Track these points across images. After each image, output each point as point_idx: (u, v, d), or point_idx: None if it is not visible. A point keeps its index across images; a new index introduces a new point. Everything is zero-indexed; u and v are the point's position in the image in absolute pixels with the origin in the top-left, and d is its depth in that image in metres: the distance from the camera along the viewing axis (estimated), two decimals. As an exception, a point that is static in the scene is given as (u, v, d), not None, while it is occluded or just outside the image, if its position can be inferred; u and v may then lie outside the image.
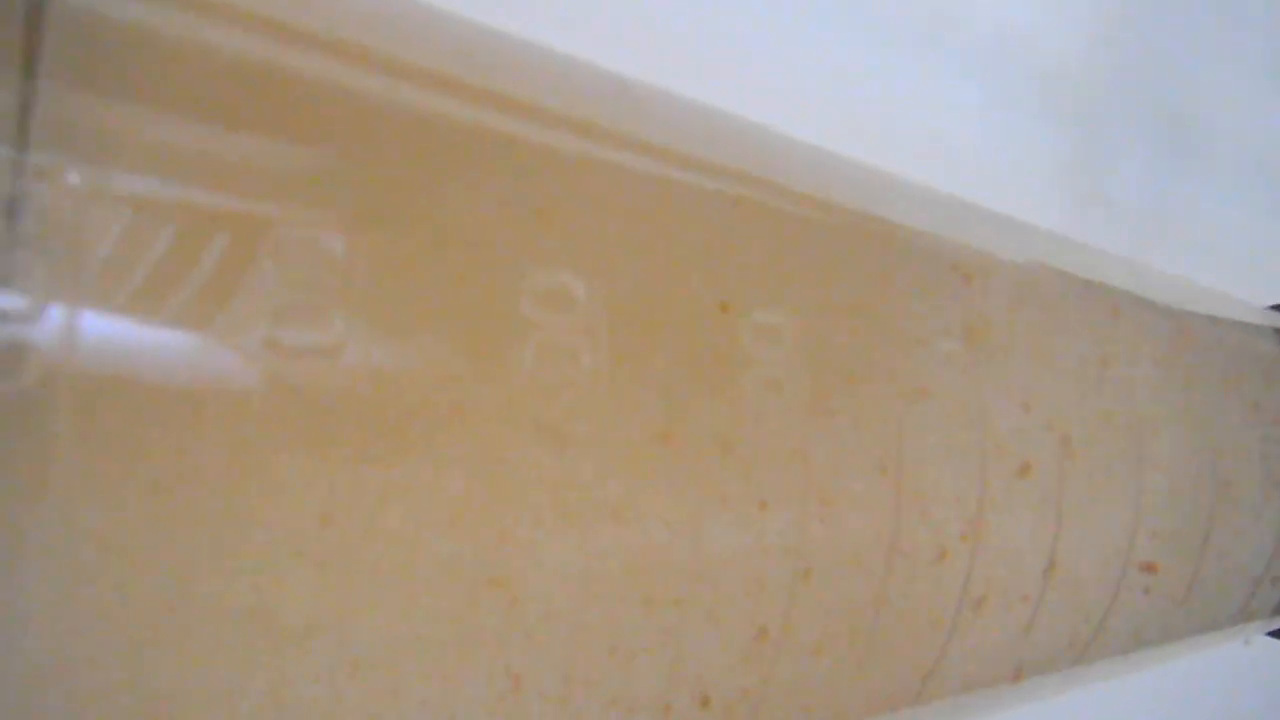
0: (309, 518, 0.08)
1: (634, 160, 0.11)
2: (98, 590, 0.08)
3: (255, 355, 0.08)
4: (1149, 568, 0.14)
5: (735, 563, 0.11)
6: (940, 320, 0.13)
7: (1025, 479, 0.13)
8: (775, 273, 0.11)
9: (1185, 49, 0.31)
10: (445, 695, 0.10)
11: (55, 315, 0.07)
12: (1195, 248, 0.30)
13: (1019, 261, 0.15)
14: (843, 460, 0.11)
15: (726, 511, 0.10)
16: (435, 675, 0.09)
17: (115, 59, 0.08)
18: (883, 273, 0.12)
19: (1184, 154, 0.31)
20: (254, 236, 0.08)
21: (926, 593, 0.12)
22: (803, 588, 0.11)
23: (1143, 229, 0.30)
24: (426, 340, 0.09)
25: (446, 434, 0.09)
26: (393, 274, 0.09)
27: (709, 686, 0.11)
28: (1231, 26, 0.32)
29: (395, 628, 0.09)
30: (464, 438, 0.09)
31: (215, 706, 0.08)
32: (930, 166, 0.17)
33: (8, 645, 0.08)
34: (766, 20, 0.23)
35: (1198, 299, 0.18)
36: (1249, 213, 0.31)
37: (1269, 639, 0.21)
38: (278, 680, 0.09)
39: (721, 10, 0.23)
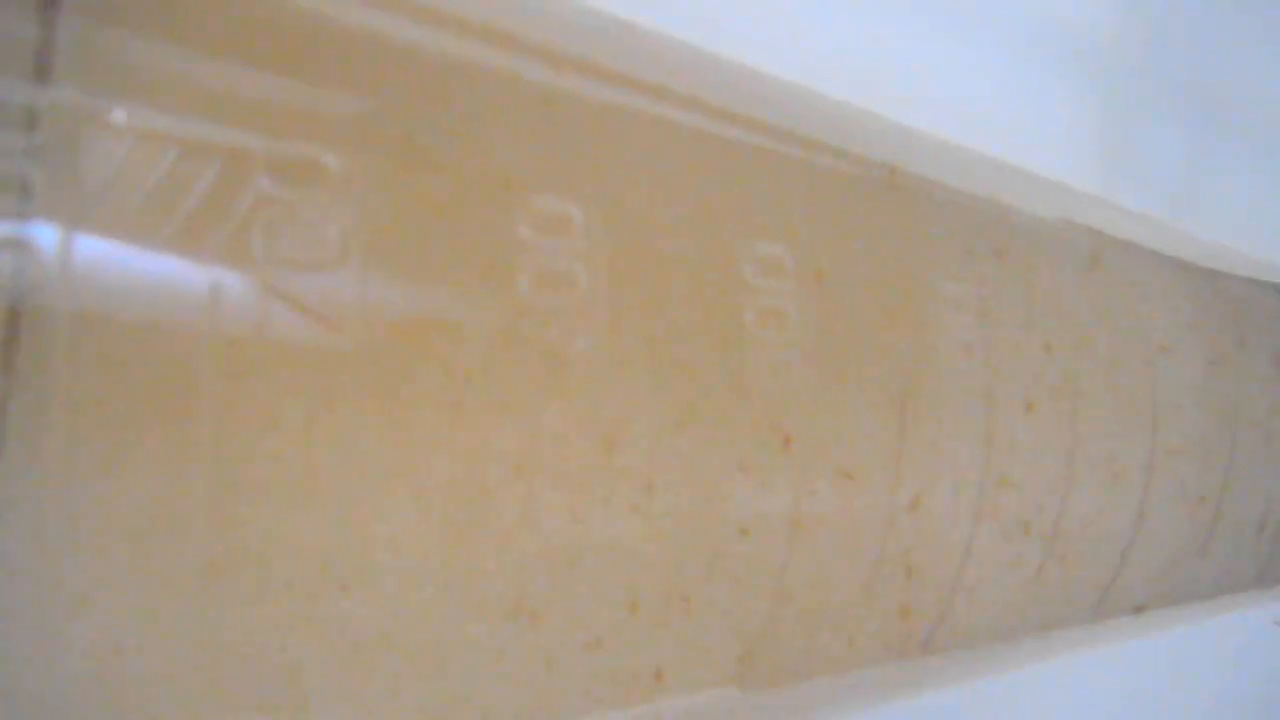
0: (306, 454, 0.08)
1: (638, 100, 0.11)
2: (93, 524, 0.08)
3: (254, 284, 0.08)
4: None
5: (737, 499, 0.11)
6: (962, 272, 0.13)
7: (1038, 424, 0.13)
8: (782, 211, 0.11)
9: (1215, 17, 0.30)
10: (453, 624, 0.10)
11: (57, 232, 0.08)
12: (1225, 217, 0.29)
13: (1046, 217, 0.15)
14: (849, 402, 0.11)
15: (726, 442, 0.10)
16: (443, 605, 0.09)
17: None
18: (897, 220, 0.12)
19: (1214, 123, 0.30)
20: (252, 167, 0.08)
21: (933, 539, 0.12)
22: (804, 533, 0.11)
23: (1173, 198, 0.29)
24: (426, 264, 0.09)
25: (445, 360, 0.09)
26: (392, 200, 0.09)
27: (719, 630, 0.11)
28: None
29: (395, 561, 0.09)
30: (463, 362, 0.09)
31: (216, 647, 0.09)
32: (959, 134, 0.17)
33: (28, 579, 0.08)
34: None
35: (1224, 258, 0.18)
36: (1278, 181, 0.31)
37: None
38: (281, 619, 0.09)
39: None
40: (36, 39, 0.08)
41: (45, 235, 0.08)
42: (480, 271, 0.09)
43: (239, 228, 0.08)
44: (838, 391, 0.11)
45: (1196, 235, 0.19)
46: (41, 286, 0.08)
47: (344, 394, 0.08)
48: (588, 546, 0.10)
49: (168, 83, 0.08)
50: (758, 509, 0.11)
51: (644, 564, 0.10)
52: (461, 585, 0.09)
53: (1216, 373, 0.16)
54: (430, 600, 0.09)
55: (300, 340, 0.08)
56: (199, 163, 0.08)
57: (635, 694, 0.11)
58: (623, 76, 0.11)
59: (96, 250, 0.08)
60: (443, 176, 0.09)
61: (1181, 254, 0.17)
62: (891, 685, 0.14)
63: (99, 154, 0.08)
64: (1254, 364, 0.17)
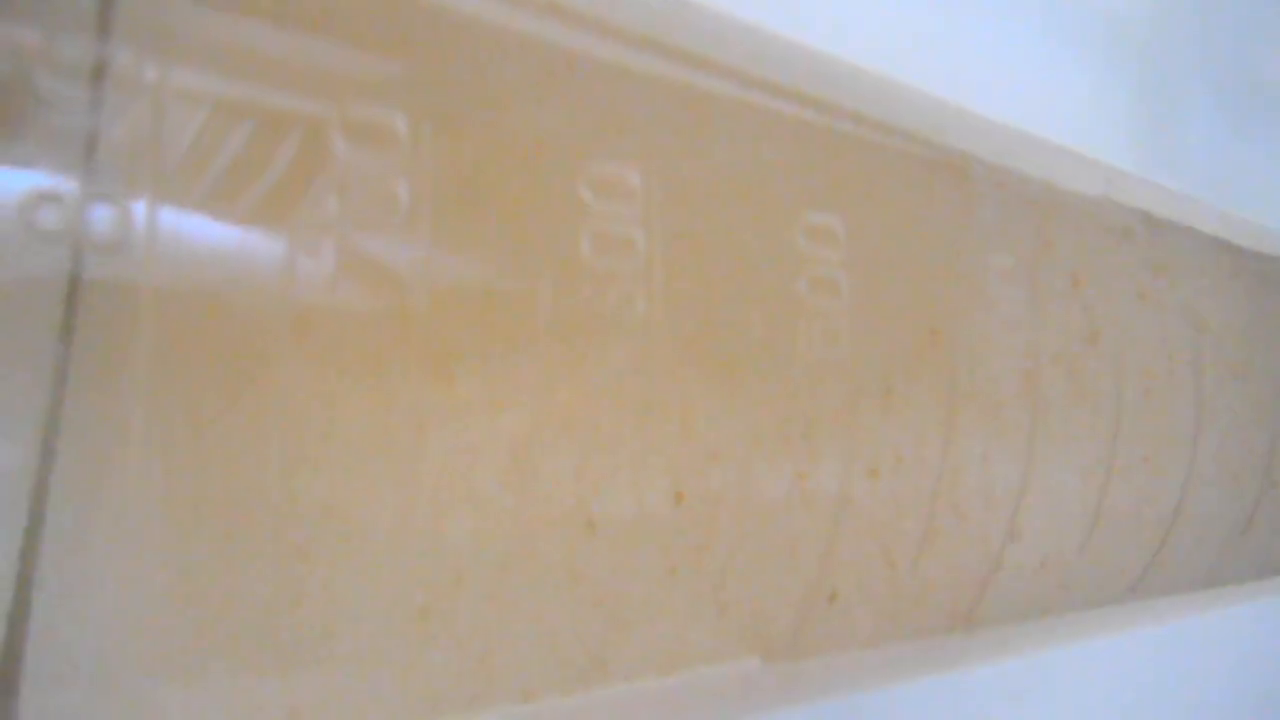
0: (373, 422, 0.09)
1: (697, 73, 0.11)
2: (168, 492, 0.08)
3: (324, 252, 0.08)
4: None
5: (780, 472, 0.11)
6: (1005, 248, 0.13)
7: (1081, 407, 0.13)
8: (834, 185, 0.11)
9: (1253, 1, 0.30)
10: (499, 593, 0.10)
11: (119, 195, 0.08)
12: (1262, 200, 0.29)
13: (1089, 195, 0.15)
14: (896, 375, 0.11)
15: (772, 412, 0.10)
16: (489, 573, 0.10)
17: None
18: (947, 196, 0.12)
19: (1252, 107, 0.30)
20: (324, 138, 0.08)
21: (975, 521, 0.12)
22: (847, 509, 0.11)
23: (1209, 181, 0.29)
24: (490, 228, 0.09)
25: (509, 328, 0.09)
26: (459, 171, 0.09)
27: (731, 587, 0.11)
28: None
29: (451, 528, 0.09)
30: (523, 328, 0.09)
31: (269, 604, 0.09)
32: (1000, 113, 0.17)
33: (100, 534, 0.08)
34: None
35: (1264, 238, 0.18)
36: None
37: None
38: (330, 579, 0.09)
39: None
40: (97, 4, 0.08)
41: (106, 197, 0.08)
42: (543, 236, 0.09)
43: (305, 190, 0.08)
44: (884, 362, 0.11)
45: (1237, 214, 0.19)
46: (99, 248, 0.08)
47: (405, 354, 0.09)
48: (629, 508, 0.10)
49: (230, 47, 0.08)
50: (799, 483, 0.11)
51: (680, 533, 0.10)
52: (513, 545, 0.09)
53: (1259, 351, 0.16)
54: (475, 562, 0.09)
55: (369, 302, 0.08)
56: (264, 126, 0.08)
57: (664, 665, 0.11)
58: (679, 50, 0.11)
59: (157, 215, 0.08)
60: (507, 142, 0.09)
61: (1222, 233, 0.17)
62: (918, 662, 0.14)
63: (161, 117, 0.08)
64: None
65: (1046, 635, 0.15)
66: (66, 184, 0.07)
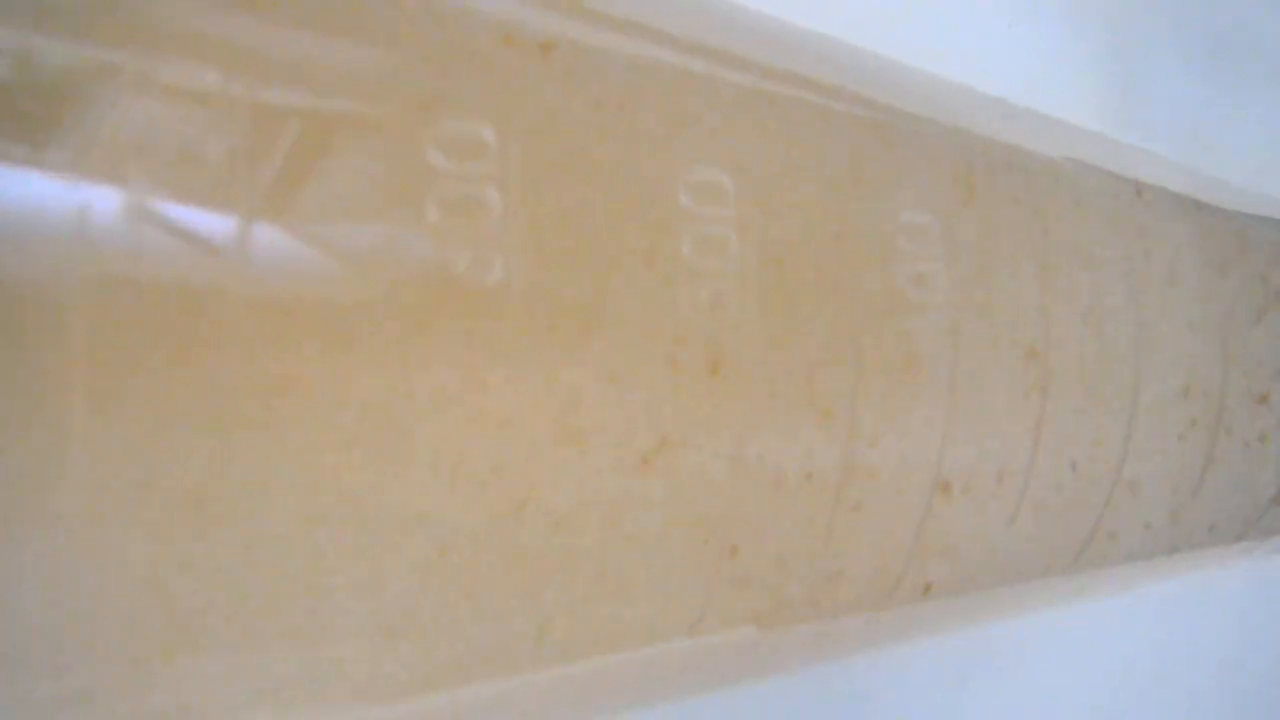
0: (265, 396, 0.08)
1: (566, 21, 0.10)
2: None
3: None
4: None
5: (667, 441, 0.10)
6: (943, 212, 0.12)
7: (1026, 366, 0.12)
8: (726, 136, 0.10)
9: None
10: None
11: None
12: (1233, 157, 0.29)
13: (1051, 156, 0.14)
14: (794, 344, 0.11)
15: (655, 376, 0.10)
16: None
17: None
18: (862, 147, 0.12)
19: (1222, 64, 0.30)
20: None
21: (894, 488, 0.12)
22: (745, 474, 0.11)
23: (1181, 139, 0.29)
24: (336, 196, 0.08)
25: (362, 294, 0.08)
26: (304, 129, 0.08)
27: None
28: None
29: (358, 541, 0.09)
30: (383, 302, 0.08)
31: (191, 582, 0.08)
32: (965, 75, 0.17)
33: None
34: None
35: (1228, 195, 0.17)
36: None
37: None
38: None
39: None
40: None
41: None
42: (391, 200, 0.08)
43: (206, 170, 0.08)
44: (784, 324, 0.10)
45: (1202, 171, 0.18)
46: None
47: (257, 335, 0.08)
48: (508, 492, 0.09)
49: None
50: (687, 452, 0.10)
51: (559, 513, 0.10)
52: (386, 525, 0.09)
53: (1211, 314, 0.15)
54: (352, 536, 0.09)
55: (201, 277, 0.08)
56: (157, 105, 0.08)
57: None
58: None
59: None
60: (353, 101, 0.08)
61: (1185, 189, 0.17)
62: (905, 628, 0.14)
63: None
64: (1248, 302, 0.16)
65: (987, 607, 0.15)
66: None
